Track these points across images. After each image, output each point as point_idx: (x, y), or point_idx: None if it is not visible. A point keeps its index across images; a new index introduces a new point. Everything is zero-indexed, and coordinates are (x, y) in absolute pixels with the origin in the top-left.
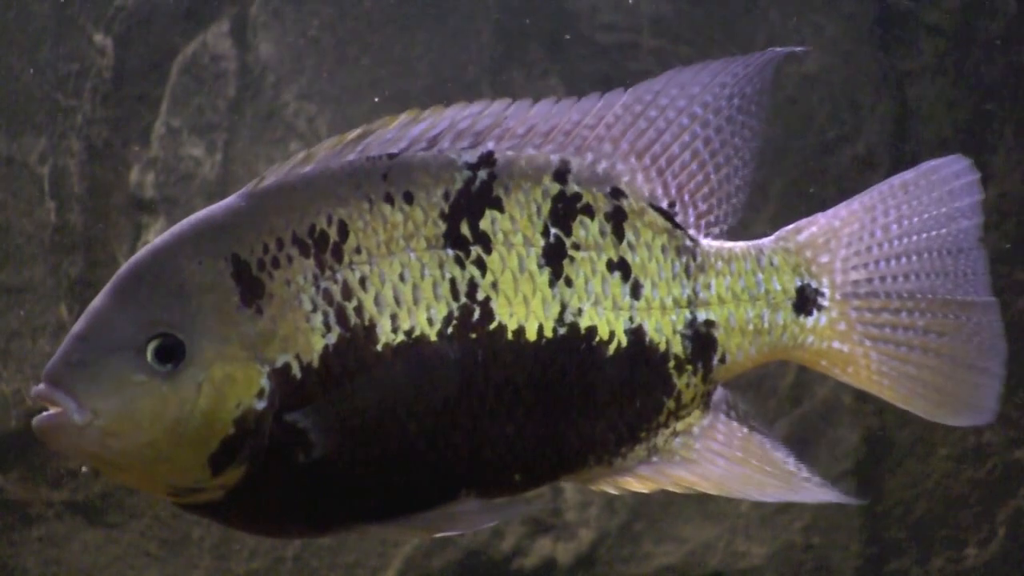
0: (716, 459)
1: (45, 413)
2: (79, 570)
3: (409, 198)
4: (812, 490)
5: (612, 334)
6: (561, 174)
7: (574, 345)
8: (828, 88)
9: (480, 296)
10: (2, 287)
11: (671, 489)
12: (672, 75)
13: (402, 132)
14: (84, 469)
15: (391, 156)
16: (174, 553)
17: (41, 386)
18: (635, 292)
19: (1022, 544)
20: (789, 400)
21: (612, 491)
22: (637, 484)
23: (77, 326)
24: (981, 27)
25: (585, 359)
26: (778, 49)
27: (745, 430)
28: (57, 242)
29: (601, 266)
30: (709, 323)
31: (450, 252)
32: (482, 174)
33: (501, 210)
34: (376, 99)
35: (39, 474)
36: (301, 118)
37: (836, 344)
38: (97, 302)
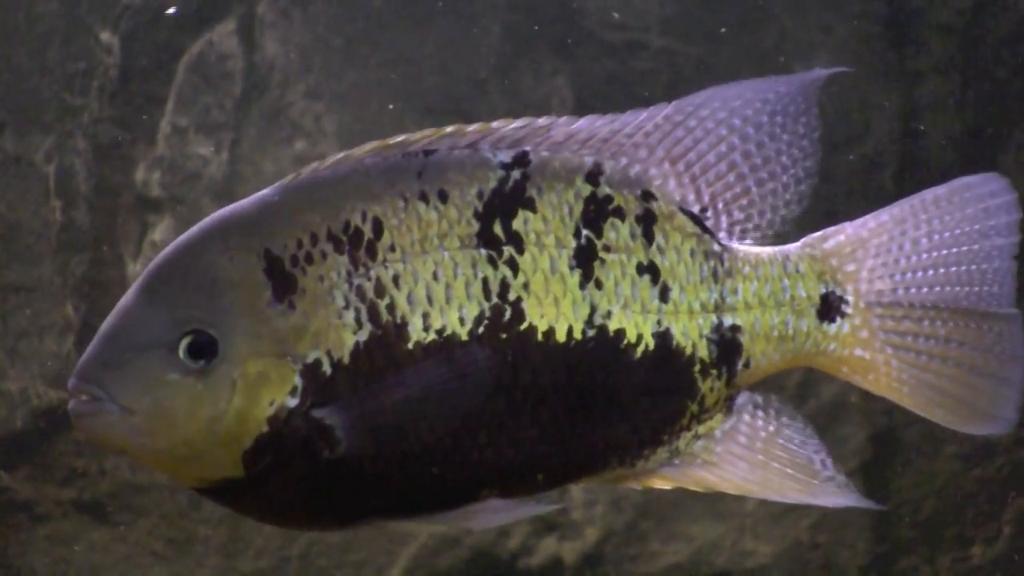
0: (737, 462)
1: (83, 398)
2: (86, 569)
3: (444, 196)
4: (831, 493)
5: (640, 337)
6: (593, 176)
7: (602, 347)
8: (837, 87)
9: (512, 296)
10: (9, 286)
11: (692, 488)
12: (715, 89)
13: (442, 141)
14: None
15: (427, 153)
16: (181, 552)
17: (73, 380)
18: (663, 295)
19: None
20: (796, 398)
21: (635, 487)
22: (659, 482)
23: (107, 324)
24: (990, 26)
25: (613, 361)
26: (822, 71)
27: (771, 428)
28: (64, 241)
29: (631, 269)
30: (735, 328)
31: (483, 251)
32: (515, 174)
33: (534, 210)
34: (390, 105)
35: (46, 473)
36: (308, 117)
37: (858, 351)
38: (127, 299)
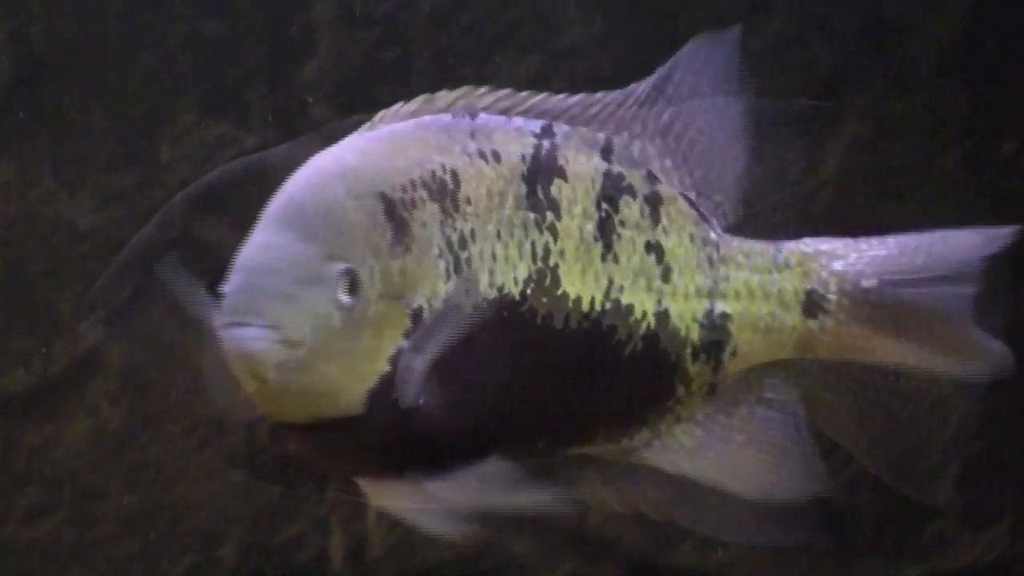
0: (714, 444)
1: (248, 331)
2: None
3: (497, 157)
4: (796, 480)
5: (645, 314)
6: (606, 152)
7: (614, 321)
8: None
9: (552, 262)
10: None
11: (668, 470)
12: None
13: (478, 102)
14: None
15: (472, 116)
16: None
17: (227, 315)
18: (665, 276)
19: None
20: None
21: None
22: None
23: (251, 260)
24: (760, 23)
25: (620, 336)
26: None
27: (752, 399)
28: None
29: (640, 246)
30: (725, 315)
31: (531, 215)
32: (546, 143)
33: (566, 179)
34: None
35: None
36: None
37: (857, 329)
38: (265, 237)
